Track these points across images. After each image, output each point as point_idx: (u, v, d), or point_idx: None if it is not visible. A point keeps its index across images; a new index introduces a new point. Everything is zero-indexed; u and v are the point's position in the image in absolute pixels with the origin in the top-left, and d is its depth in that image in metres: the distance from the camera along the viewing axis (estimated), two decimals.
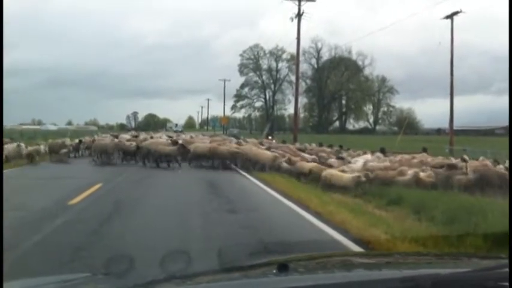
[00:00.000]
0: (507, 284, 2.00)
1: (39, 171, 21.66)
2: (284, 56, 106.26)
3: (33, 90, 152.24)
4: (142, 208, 12.04)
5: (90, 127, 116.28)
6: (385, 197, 14.27)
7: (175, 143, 25.27)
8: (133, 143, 26.47)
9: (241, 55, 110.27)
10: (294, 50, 48.91)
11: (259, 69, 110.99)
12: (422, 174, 17.01)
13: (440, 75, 47.64)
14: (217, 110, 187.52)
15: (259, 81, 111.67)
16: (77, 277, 2.98)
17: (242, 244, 7.96)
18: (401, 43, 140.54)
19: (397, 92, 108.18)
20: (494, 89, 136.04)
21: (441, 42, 41.47)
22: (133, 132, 45.61)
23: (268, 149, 25.43)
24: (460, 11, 40.28)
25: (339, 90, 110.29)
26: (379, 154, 26.68)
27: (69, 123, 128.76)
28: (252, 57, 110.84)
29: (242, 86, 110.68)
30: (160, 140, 28.95)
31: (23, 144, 25.25)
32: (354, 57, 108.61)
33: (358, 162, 21.39)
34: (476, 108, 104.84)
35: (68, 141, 29.05)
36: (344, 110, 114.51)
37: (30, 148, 25.22)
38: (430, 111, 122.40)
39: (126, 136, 34.47)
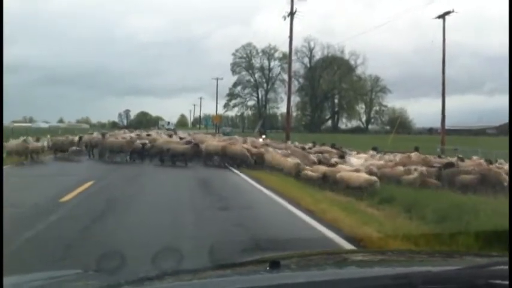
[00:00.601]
0: (498, 281, 2.01)
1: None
2: (276, 54, 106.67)
3: (24, 88, 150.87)
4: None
5: (82, 125, 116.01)
6: (377, 195, 14.32)
7: (188, 142, 25.29)
8: (147, 142, 26.48)
9: (233, 54, 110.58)
10: (286, 49, 48.93)
11: (252, 68, 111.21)
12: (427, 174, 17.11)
13: (433, 75, 48.06)
14: (209, 108, 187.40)
15: (252, 80, 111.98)
16: (68, 273, 2.96)
17: (234, 241, 7.97)
18: (394, 42, 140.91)
19: (389, 91, 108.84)
20: (486, 89, 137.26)
21: (433, 42, 41.74)
22: (132, 130, 45.50)
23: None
24: (452, 11, 40.46)
25: (331, 89, 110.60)
26: (372, 153, 26.74)
27: (61, 121, 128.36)
28: (245, 56, 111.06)
29: (235, 85, 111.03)
30: (173, 139, 29.19)
31: (30, 139, 24.71)
32: (347, 56, 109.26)
33: (354, 161, 21.44)
34: (468, 108, 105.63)
35: (75, 138, 28.33)
36: (336, 109, 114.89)
37: (34, 144, 24.66)
38: (422, 111, 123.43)
39: (129, 135, 33.72)
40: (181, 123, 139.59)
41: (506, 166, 18.06)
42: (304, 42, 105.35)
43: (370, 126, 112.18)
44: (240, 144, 25.73)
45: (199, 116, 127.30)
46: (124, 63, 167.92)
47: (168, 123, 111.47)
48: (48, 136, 29.48)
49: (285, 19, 42.79)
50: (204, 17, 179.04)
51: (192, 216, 10.83)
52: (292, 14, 42.06)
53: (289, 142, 34.02)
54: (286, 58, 60.43)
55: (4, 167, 19.43)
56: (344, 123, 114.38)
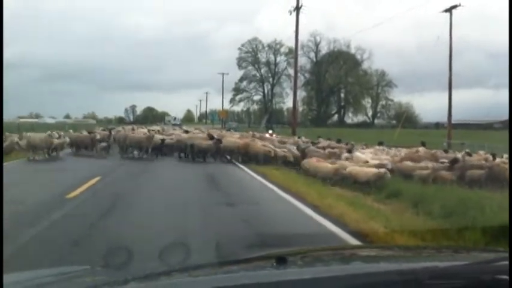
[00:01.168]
0: (505, 277, 2.00)
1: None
2: (282, 49, 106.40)
3: (31, 84, 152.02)
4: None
5: (88, 120, 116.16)
6: (383, 190, 14.31)
7: (211, 137, 25.10)
8: (172, 137, 26.54)
9: (239, 49, 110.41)
10: (292, 44, 48.80)
11: (258, 62, 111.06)
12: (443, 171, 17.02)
13: (439, 69, 47.88)
14: (215, 103, 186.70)
15: (258, 75, 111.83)
16: (76, 269, 2.98)
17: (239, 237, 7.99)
18: (400, 37, 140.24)
19: (395, 85, 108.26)
20: (492, 83, 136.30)
21: (440, 37, 41.48)
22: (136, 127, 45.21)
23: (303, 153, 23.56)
24: (459, 5, 40.23)
25: (337, 83, 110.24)
26: (378, 147, 26.70)
27: (67, 117, 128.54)
28: (251, 50, 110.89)
29: (240, 80, 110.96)
30: (198, 134, 29.14)
31: (56, 133, 24.20)
32: (353, 51, 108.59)
33: (362, 156, 21.34)
34: (475, 102, 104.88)
35: (98, 136, 26.95)
36: (343, 103, 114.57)
37: (59, 140, 24.24)
38: (428, 105, 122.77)
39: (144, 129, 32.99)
40: (188, 118, 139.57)
41: None
42: (310, 37, 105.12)
43: (376, 121, 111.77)
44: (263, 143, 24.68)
45: (206, 111, 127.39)
46: (130, 59, 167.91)
47: (175, 118, 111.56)
48: (71, 131, 29.18)
49: (290, 14, 42.74)
50: (209, 12, 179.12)
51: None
52: (298, 8, 41.97)
53: (295, 137, 34.00)
54: (292, 53, 60.34)
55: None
56: (350, 118, 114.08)
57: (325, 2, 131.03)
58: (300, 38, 45.14)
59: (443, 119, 50.51)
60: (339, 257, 2.87)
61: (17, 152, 23.79)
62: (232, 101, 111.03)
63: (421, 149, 24.51)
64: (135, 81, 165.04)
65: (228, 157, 24.51)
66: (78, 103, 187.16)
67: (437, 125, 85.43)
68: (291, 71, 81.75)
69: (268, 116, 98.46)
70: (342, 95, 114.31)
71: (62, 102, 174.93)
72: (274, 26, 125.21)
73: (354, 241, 7.77)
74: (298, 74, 58.42)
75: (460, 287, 2.06)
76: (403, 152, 23.62)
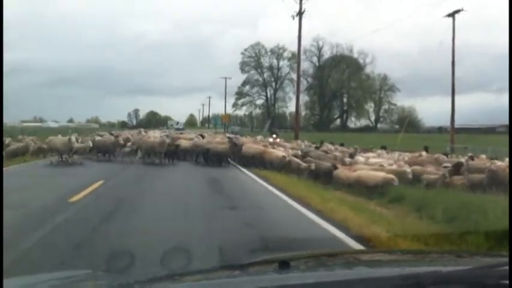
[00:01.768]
0: (508, 282, 2.00)
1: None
2: (285, 54, 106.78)
3: (34, 88, 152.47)
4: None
5: (91, 125, 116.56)
6: (386, 194, 14.28)
7: (234, 144, 25.02)
8: (191, 142, 26.53)
9: (242, 53, 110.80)
10: (295, 48, 48.91)
11: (261, 67, 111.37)
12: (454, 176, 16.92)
13: (442, 74, 47.62)
14: (218, 107, 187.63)
15: (261, 79, 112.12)
16: (78, 274, 2.98)
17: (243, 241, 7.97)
18: (403, 41, 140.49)
19: (398, 90, 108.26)
20: (495, 87, 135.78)
21: (442, 41, 41.45)
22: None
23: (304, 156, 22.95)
24: (462, 10, 40.23)
25: (340, 88, 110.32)
26: (380, 152, 26.69)
27: (71, 121, 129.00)
28: (253, 55, 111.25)
29: (243, 84, 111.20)
30: (216, 139, 29.17)
31: (73, 138, 23.69)
32: (355, 55, 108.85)
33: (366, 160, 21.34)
34: (478, 106, 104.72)
35: (120, 140, 26.11)
36: (345, 108, 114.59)
37: (79, 145, 23.98)
38: (431, 110, 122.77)
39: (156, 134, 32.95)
40: (191, 122, 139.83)
41: None
42: (312, 41, 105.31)
43: (379, 125, 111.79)
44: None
45: (208, 116, 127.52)
46: (133, 63, 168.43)
47: (177, 122, 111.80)
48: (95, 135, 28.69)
49: (293, 18, 42.80)
50: (212, 17, 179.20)
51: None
52: (300, 13, 42.04)
53: (298, 141, 34.00)
54: (295, 57, 60.51)
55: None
56: (353, 122, 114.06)
57: (327, 6, 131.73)
58: (302, 42, 45.23)
59: (446, 123, 50.40)
60: (342, 262, 2.87)
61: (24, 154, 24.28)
62: (235, 105, 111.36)
63: (424, 153, 24.50)
64: (138, 85, 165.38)
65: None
66: (81, 107, 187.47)
67: (440, 129, 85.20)
68: (294, 76, 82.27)
69: (271, 120, 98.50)
70: (345, 100, 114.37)
71: (65, 106, 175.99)
72: (277, 31, 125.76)
73: (356, 245, 7.76)
74: (301, 79, 58.49)
75: None
76: (406, 156, 23.59)
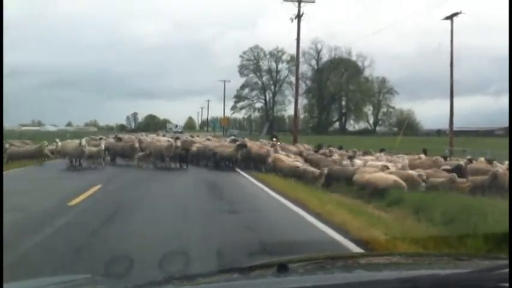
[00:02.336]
0: (507, 284, 2.00)
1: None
2: (284, 57, 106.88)
3: (33, 91, 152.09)
4: None
5: (90, 128, 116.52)
6: (385, 197, 14.27)
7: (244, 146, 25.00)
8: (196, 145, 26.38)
9: (241, 56, 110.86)
10: (294, 51, 48.91)
11: (259, 70, 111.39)
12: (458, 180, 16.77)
13: (440, 77, 47.79)
14: (217, 111, 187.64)
15: (259, 82, 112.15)
16: (77, 278, 2.98)
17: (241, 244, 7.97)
18: (401, 44, 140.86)
19: (396, 93, 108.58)
20: (492, 90, 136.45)
21: (441, 44, 41.50)
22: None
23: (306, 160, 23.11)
24: (460, 12, 40.29)
25: (338, 91, 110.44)
26: (379, 155, 26.69)
27: (69, 125, 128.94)
28: (252, 58, 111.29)
29: (242, 87, 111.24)
30: (224, 143, 29.20)
31: (84, 142, 23.05)
32: (354, 58, 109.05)
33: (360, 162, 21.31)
34: (476, 109, 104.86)
35: (136, 144, 25.69)
36: (344, 111, 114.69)
37: (91, 149, 23.44)
38: (430, 112, 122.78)
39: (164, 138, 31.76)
40: (189, 125, 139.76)
41: None
42: (311, 44, 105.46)
43: (377, 128, 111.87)
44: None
45: (207, 119, 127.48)
46: (131, 66, 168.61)
47: (176, 126, 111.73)
48: (104, 139, 28.31)
49: (292, 21, 42.71)
50: (211, 20, 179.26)
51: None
52: (299, 16, 42.01)
53: (298, 144, 34.00)
54: (294, 60, 60.44)
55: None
56: (352, 125, 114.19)
57: (326, 9, 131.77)
58: (301, 45, 45.17)
59: (445, 126, 50.39)
60: (340, 265, 2.87)
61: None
62: (233, 108, 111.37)
63: (423, 156, 24.52)
64: (136, 88, 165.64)
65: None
66: (79, 111, 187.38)
67: (439, 132, 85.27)
68: (293, 79, 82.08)
69: (269, 123, 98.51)
70: (343, 103, 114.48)
71: (63, 110, 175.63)
72: (275, 34, 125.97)
73: (355, 249, 7.75)
74: (300, 82, 58.48)
75: None
76: (405, 158, 23.58)
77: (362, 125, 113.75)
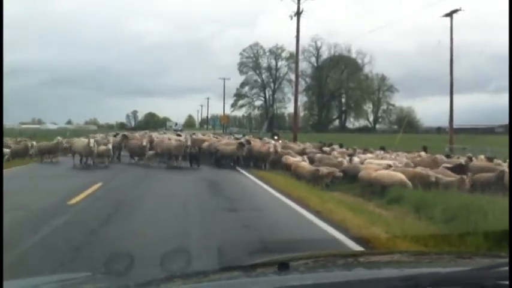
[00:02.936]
0: (506, 282, 2.00)
1: None
2: (284, 54, 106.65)
3: (33, 90, 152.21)
4: None
5: (90, 126, 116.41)
6: (385, 195, 14.28)
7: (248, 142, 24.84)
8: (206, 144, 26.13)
9: (240, 54, 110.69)
10: (293, 49, 48.83)
11: (259, 67, 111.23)
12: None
13: (440, 74, 47.78)
14: (217, 108, 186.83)
15: (259, 80, 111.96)
16: (78, 276, 2.98)
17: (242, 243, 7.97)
18: (401, 42, 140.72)
19: (396, 90, 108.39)
20: (492, 87, 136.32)
21: (440, 41, 41.56)
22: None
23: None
24: (460, 9, 40.31)
25: (338, 88, 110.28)
26: (378, 152, 26.69)
27: (69, 123, 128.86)
28: (252, 55, 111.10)
29: (242, 85, 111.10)
30: (228, 140, 29.03)
31: (92, 141, 22.95)
32: (354, 55, 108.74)
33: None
34: (476, 106, 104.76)
35: (144, 143, 25.25)
36: (344, 108, 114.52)
37: (100, 148, 23.37)
38: (430, 110, 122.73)
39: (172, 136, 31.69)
40: (189, 123, 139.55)
41: None
42: (311, 41, 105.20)
43: (377, 126, 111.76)
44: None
45: (207, 117, 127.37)
46: (131, 64, 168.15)
47: (176, 124, 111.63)
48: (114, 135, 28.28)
49: (291, 18, 42.73)
50: (210, 18, 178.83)
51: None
52: (298, 13, 42.01)
53: (297, 142, 34.00)
54: (293, 58, 60.39)
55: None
56: (351, 123, 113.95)
57: (326, 6, 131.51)
58: (301, 42, 45.22)
59: (445, 123, 50.44)
60: (341, 263, 2.87)
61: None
62: (233, 106, 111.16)
63: (423, 153, 24.51)
64: (136, 86, 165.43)
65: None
66: (79, 109, 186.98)
67: (439, 130, 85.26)
68: (292, 76, 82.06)
69: (268, 121, 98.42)
70: (343, 100, 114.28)
71: (63, 107, 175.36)
72: (275, 31, 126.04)
73: (355, 247, 7.76)
74: (300, 79, 58.56)
75: None
76: (402, 156, 23.59)
77: (362, 122, 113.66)
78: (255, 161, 24.26)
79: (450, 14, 40.73)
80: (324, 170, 19.19)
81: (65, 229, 9.24)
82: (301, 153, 24.89)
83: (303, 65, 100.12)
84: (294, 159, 22.11)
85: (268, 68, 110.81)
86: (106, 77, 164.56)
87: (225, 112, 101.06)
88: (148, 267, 2.99)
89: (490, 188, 16.09)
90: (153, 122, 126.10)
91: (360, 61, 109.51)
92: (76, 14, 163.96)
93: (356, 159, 21.47)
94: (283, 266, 2.26)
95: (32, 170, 22.10)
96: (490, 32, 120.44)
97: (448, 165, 18.83)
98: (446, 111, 43.25)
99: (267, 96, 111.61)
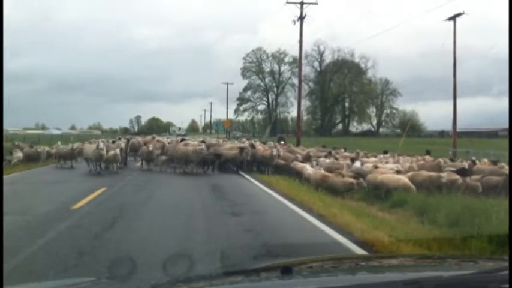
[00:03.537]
0: (508, 286, 2.00)
1: None
2: (287, 59, 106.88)
3: (37, 95, 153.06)
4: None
5: (93, 131, 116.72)
6: (388, 199, 14.26)
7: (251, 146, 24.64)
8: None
9: (244, 58, 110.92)
10: (296, 53, 48.92)
11: (262, 72, 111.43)
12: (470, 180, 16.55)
13: (443, 78, 47.72)
14: (220, 113, 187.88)
15: (262, 85, 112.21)
16: (82, 281, 2.99)
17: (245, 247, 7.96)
18: (404, 46, 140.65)
19: (400, 94, 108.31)
20: (495, 91, 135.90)
21: (444, 45, 41.51)
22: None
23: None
24: (463, 13, 40.25)
25: (341, 92, 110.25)
26: (381, 156, 26.62)
27: (73, 128, 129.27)
28: (255, 60, 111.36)
29: (245, 89, 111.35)
30: (230, 145, 28.23)
31: (102, 144, 22.73)
32: (357, 60, 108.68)
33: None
34: (479, 110, 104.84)
35: (150, 146, 24.84)
36: (347, 112, 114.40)
37: (109, 153, 22.87)
38: (433, 114, 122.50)
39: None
40: (192, 128, 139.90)
41: None
42: (314, 46, 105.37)
43: (380, 130, 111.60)
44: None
45: (210, 121, 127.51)
46: (134, 70, 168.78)
47: (179, 128, 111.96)
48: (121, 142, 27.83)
49: (294, 23, 42.75)
50: (214, 22, 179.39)
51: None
52: (302, 18, 42.04)
53: (301, 146, 33.98)
54: (296, 62, 60.36)
55: None
56: (355, 127, 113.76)
57: (328, 11, 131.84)
58: (304, 47, 45.17)
59: (448, 127, 50.38)
60: (344, 267, 2.87)
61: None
62: (236, 110, 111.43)
63: (427, 157, 24.45)
64: (140, 91, 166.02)
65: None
66: (83, 114, 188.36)
67: (442, 133, 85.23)
68: (295, 81, 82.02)
69: (272, 125, 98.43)
70: (346, 104, 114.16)
71: (67, 113, 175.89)
72: (278, 36, 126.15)
73: (359, 251, 7.75)
74: (303, 83, 58.47)
75: None
76: (406, 160, 23.51)
77: (365, 126, 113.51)
78: (257, 165, 24.19)
79: (453, 18, 40.70)
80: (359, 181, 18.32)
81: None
82: (306, 157, 24.70)
83: (306, 70, 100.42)
84: (303, 165, 21.67)
85: (271, 73, 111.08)
86: (110, 82, 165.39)
87: (228, 116, 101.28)
88: (152, 271, 2.99)
89: (497, 192, 15.98)
90: (156, 127, 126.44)
91: (363, 65, 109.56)
92: (80, 20, 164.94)
93: (357, 163, 21.40)
94: (286, 271, 2.27)
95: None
96: (495, 35, 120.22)
97: (452, 169, 18.75)
98: (449, 115, 43.17)
99: (270, 101, 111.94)
